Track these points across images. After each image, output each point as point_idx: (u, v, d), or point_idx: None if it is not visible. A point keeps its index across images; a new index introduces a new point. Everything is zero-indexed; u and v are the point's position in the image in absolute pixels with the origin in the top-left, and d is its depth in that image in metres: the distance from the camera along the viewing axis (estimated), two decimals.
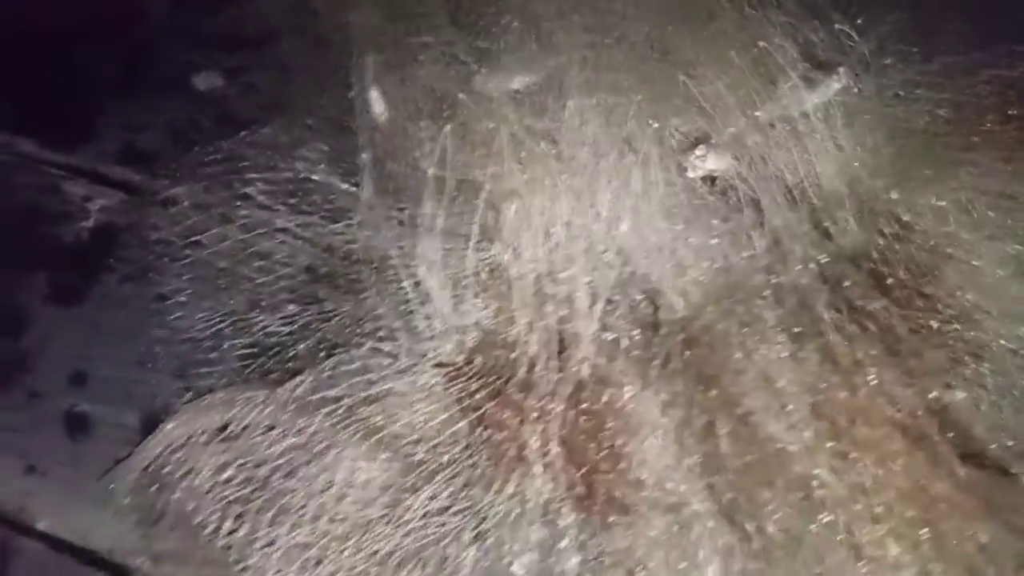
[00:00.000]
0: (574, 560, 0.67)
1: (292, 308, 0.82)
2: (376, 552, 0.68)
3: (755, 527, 0.64)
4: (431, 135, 0.82)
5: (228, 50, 1.03)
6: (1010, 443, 0.64)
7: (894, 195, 0.73)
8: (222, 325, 0.82)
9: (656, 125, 0.75)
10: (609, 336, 0.73)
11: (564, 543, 0.68)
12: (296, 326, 0.81)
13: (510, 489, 0.71)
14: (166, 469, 0.73)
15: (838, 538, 0.63)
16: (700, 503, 0.66)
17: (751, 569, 0.63)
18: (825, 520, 0.63)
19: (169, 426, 0.75)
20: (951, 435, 0.65)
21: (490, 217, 0.76)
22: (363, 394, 0.75)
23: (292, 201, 0.86)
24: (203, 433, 0.73)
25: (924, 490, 0.64)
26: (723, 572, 0.63)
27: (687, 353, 0.71)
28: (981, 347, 0.67)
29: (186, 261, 0.85)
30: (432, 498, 0.70)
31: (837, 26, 0.79)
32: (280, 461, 0.71)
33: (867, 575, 0.62)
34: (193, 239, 0.86)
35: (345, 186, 0.86)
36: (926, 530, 0.62)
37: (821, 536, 0.63)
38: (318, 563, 0.67)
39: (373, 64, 0.89)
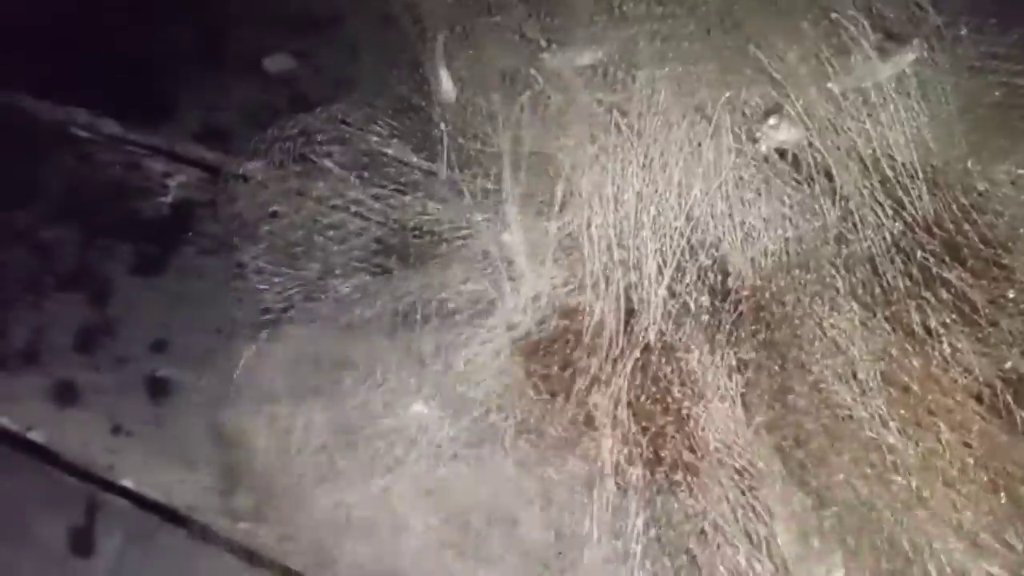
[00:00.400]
0: (642, 519, 0.68)
1: (365, 278, 0.84)
2: (450, 511, 0.70)
3: (826, 488, 0.64)
4: (502, 110, 0.83)
5: (298, 31, 1.06)
6: None
7: (969, 165, 0.72)
8: (295, 293, 0.84)
9: (728, 95, 0.76)
10: (678, 303, 0.73)
11: (633, 503, 0.69)
12: (368, 295, 0.83)
13: (579, 451, 0.72)
14: (247, 427, 0.75)
15: (911, 502, 0.63)
16: (769, 465, 0.67)
17: (824, 527, 0.63)
18: (897, 484, 0.63)
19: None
20: None
21: (563, 187, 0.78)
22: (438, 360, 0.77)
23: (364, 175, 0.89)
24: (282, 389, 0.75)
25: (999, 457, 0.64)
26: (794, 531, 0.64)
27: (756, 320, 0.71)
28: None
29: (261, 234, 0.88)
30: (503, 460, 0.72)
31: None
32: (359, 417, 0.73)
33: (939, 538, 0.61)
34: (268, 213, 0.89)
35: (417, 160, 0.88)
36: (1002, 495, 0.62)
37: (894, 499, 0.63)
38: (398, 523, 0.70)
39: (442, 43, 0.92)
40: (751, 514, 0.65)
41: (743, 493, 0.67)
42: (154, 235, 0.92)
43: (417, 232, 0.86)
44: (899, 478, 0.62)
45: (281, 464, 0.74)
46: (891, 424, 0.65)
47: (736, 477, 0.67)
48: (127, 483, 0.78)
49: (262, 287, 0.85)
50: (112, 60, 1.05)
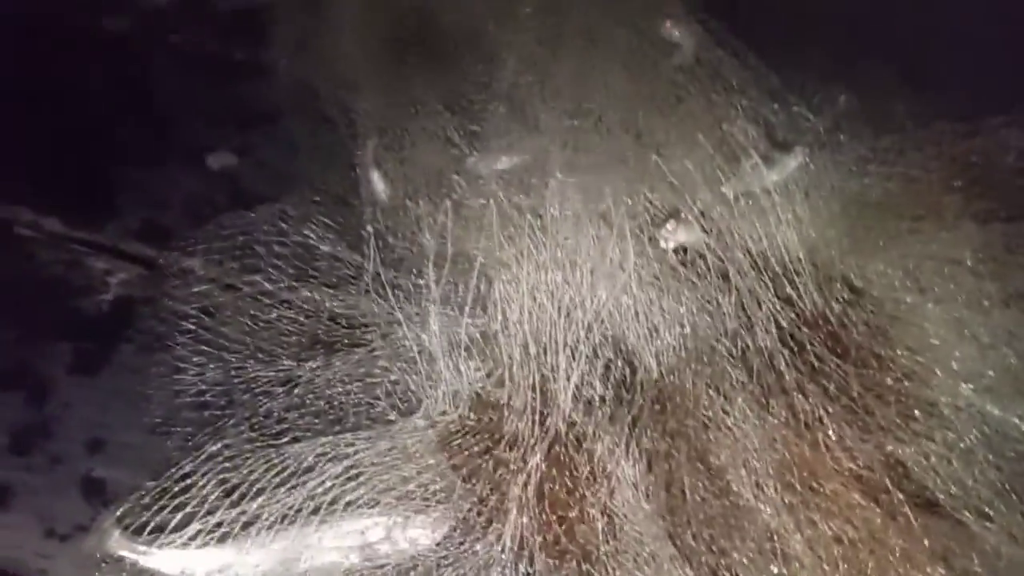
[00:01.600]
0: None
1: (298, 372, 0.88)
2: None
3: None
4: (429, 211, 0.89)
5: (238, 128, 1.11)
6: (958, 492, 0.68)
7: (848, 263, 0.79)
8: (231, 390, 0.88)
9: (630, 201, 0.82)
10: (587, 394, 0.78)
11: None
12: (302, 388, 0.87)
13: (490, 535, 0.76)
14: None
15: None
16: (664, 550, 0.71)
17: None
18: (780, 573, 0.68)
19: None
20: (905, 487, 0.70)
21: (482, 286, 0.83)
22: (355, 451, 0.80)
23: (298, 272, 0.93)
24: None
25: (880, 541, 0.69)
26: None
27: (659, 411, 0.76)
28: (931, 404, 0.72)
29: (198, 331, 0.91)
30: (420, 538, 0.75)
31: (795, 108, 0.87)
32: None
33: None
34: (204, 309, 0.93)
35: (349, 257, 0.93)
36: None
37: None
38: None
39: (374, 146, 0.98)
40: None
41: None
42: (93, 333, 0.95)
43: (345, 326, 0.90)
44: (783, 567, 0.67)
45: None
46: (781, 511, 0.69)
47: (636, 562, 0.71)
48: None
49: (194, 388, 0.88)
50: (56, 157, 1.09)
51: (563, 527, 0.74)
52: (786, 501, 0.69)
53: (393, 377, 0.85)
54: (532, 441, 0.77)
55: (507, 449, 0.77)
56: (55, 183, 1.07)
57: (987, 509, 0.68)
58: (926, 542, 0.68)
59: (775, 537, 0.68)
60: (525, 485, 0.75)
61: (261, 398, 0.86)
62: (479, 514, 0.76)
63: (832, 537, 0.67)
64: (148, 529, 0.77)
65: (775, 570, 0.66)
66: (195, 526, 0.76)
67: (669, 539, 0.69)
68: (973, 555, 0.67)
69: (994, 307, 0.75)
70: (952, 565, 0.67)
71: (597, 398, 0.77)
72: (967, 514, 0.68)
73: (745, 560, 0.67)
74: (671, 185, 0.84)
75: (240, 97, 1.15)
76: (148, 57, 1.19)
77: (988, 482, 0.69)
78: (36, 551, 0.81)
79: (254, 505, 0.77)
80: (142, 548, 0.77)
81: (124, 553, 0.77)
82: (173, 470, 0.80)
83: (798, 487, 0.69)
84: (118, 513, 0.77)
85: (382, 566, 0.77)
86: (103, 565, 0.77)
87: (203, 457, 0.81)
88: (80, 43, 1.21)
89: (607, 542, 0.72)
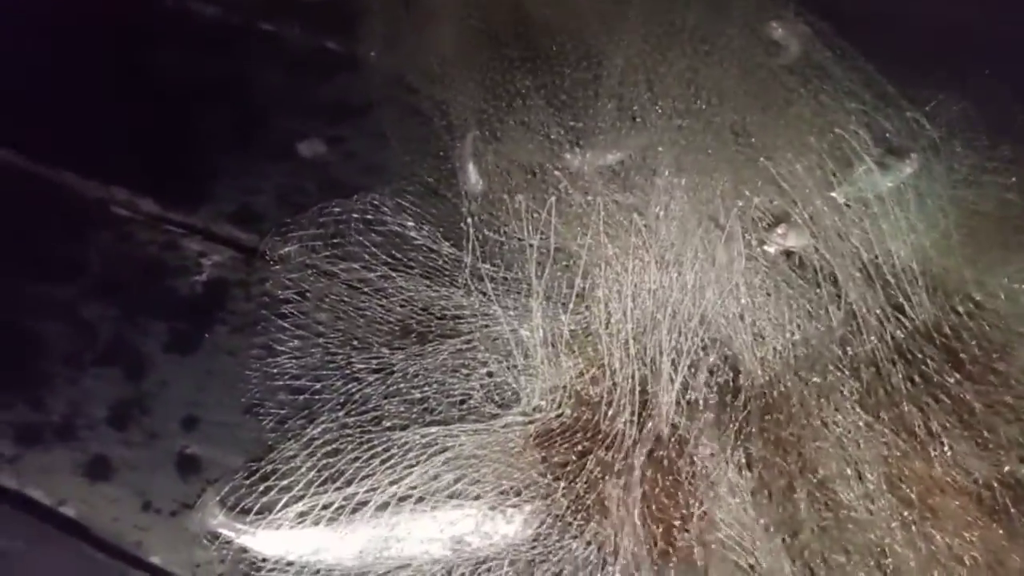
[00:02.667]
0: None
1: (392, 360, 0.88)
2: None
3: None
4: (528, 206, 0.89)
5: (331, 119, 1.12)
6: None
7: (966, 275, 0.77)
8: (325, 375, 0.88)
9: (739, 204, 0.81)
10: (690, 398, 0.77)
11: None
12: (396, 377, 0.87)
13: (588, 538, 0.75)
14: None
15: None
16: (774, 564, 0.69)
17: None
18: None
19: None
20: None
21: (583, 284, 0.82)
22: (456, 443, 0.80)
23: (393, 260, 0.94)
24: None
25: (1000, 562, 0.66)
26: None
27: (765, 418, 0.75)
28: None
29: (292, 315, 0.92)
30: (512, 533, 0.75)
31: (908, 114, 0.85)
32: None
33: None
34: (299, 294, 0.94)
35: (444, 248, 0.93)
36: None
37: None
38: None
39: (472, 140, 0.98)
40: None
41: None
42: (188, 313, 0.96)
43: (439, 316, 0.90)
44: None
45: None
46: (893, 526, 0.67)
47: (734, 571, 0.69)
48: (155, 560, 0.80)
49: (287, 370, 0.89)
50: (153, 142, 1.11)
51: (662, 530, 0.73)
52: (901, 515, 0.67)
53: (488, 370, 0.85)
54: (632, 442, 0.76)
55: (606, 449, 0.77)
56: (150, 165, 1.09)
57: None
58: None
59: (887, 552, 0.67)
60: (625, 486, 0.74)
61: (355, 384, 0.87)
62: (576, 512, 0.76)
63: (951, 555, 0.65)
64: (247, 509, 0.78)
65: None
66: (293, 508, 0.77)
67: (773, 549, 0.68)
68: None
69: None
70: None
71: (700, 401, 0.76)
72: None
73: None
74: (780, 189, 0.82)
75: (332, 88, 1.16)
76: (241, 44, 1.21)
77: None
78: (134, 523, 0.82)
79: (351, 490, 0.78)
80: (240, 527, 0.78)
81: (223, 531, 0.78)
82: (273, 453, 0.81)
83: (914, 502, 0.67)
84: (220, 492, 0.78)
85: (472, 559, 0.77)
86: (202, 541, 0.78)
87: (302, 440, 0.82)
88: (175, 28, 1.23)
89: (707, 547, 0.71)
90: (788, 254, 0.82)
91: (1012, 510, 0.67)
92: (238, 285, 0.98)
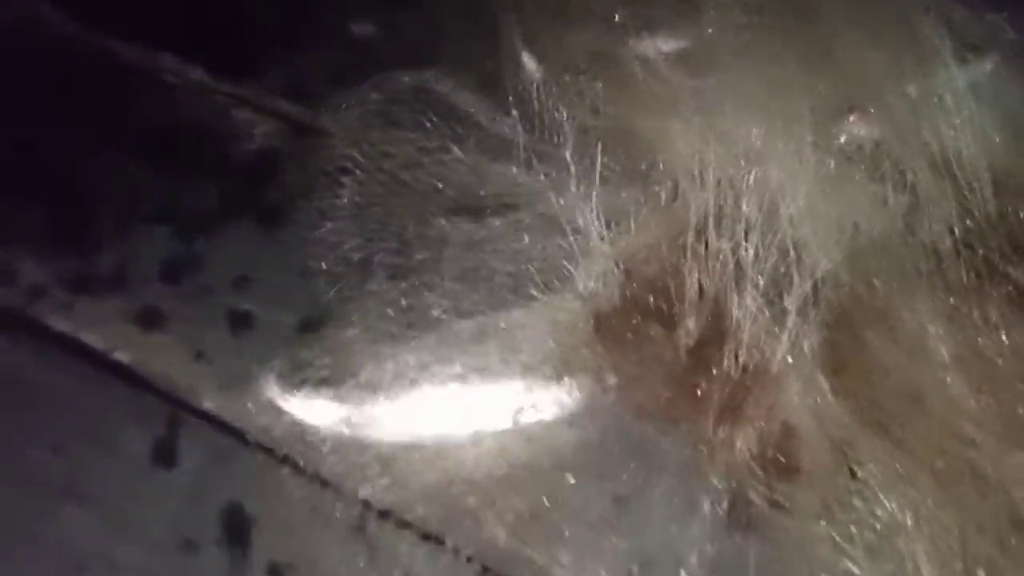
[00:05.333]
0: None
1: (441, 234, 0.88)
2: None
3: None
4: (588, 87, 0.88)
5: (388, 3, 1.11)
6: None
7: None
8: (373, 245, 0.88)
9: (809, 91, 0.80)
10: (755, 286, 0.77)
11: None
12: (444, 251, 0.87)
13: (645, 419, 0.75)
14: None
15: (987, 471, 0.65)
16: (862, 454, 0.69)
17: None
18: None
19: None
20: None
21: (643, 164, 0.82)
22: (509, 318, 0.81)
23: (446, 136, 0.93)
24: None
25: None
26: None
27: (833, 307, 0.74)
28: None
29: (345, 185, 0.92)
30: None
31: (988, 16, 0.83)
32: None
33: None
34: (353, 165, 0.93)
35: (498, 128, 0.92)
36: None
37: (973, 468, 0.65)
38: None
39: (529, 25, 0.96)
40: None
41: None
42: (240, 178, 0.96)
43: (494, 193, 0.89)
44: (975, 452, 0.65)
45: None
46: (966, 405, 0.67)
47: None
48: (208, 405, 0.81)
49: (340, 237, 0.89)
50: (205, 13, 1.10)
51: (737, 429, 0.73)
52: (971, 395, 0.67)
53: (542, 248, 0.85)
54: (692, 328, 0.76)
55: (662, 331, 0.77)
56: (201, 35, 1.08)
57: None
58: None
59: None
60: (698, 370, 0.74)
61: (405, 256, 0.87)
62: (633, 394, 0.76)
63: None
64: (299, 377, 0.79)
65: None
66: (345, 379, 0.78)
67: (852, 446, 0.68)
68: None
69: None
70: None
71: (767, 291, 0.75)
72: None
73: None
74: (853, 79, 0.81)
75: None
76: None
77: None
78: (186, 371, 0.83)
79: (406, 361, 0.78)
80: (291, 395, 0.78)
81: (274, 398, 0.79)
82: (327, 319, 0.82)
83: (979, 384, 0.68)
84: (273, 360, 0.79)
85: (523, 432, 0.77)
86: (249, 407, 0.79)
87: (355, 306, 0.82)
88: None
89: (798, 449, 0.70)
90: (858, 144, 0.81)
91: None
92: (290, 156, 0.98)
